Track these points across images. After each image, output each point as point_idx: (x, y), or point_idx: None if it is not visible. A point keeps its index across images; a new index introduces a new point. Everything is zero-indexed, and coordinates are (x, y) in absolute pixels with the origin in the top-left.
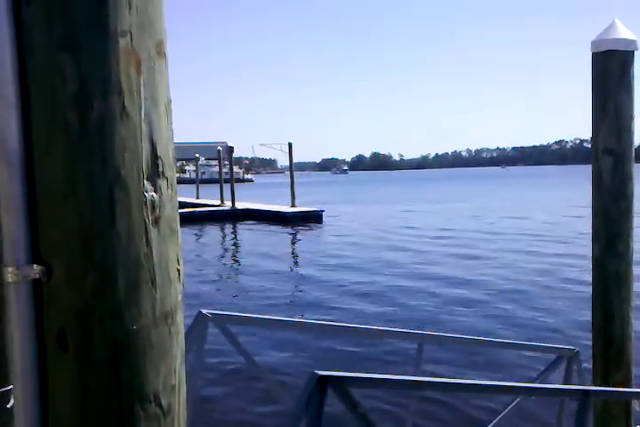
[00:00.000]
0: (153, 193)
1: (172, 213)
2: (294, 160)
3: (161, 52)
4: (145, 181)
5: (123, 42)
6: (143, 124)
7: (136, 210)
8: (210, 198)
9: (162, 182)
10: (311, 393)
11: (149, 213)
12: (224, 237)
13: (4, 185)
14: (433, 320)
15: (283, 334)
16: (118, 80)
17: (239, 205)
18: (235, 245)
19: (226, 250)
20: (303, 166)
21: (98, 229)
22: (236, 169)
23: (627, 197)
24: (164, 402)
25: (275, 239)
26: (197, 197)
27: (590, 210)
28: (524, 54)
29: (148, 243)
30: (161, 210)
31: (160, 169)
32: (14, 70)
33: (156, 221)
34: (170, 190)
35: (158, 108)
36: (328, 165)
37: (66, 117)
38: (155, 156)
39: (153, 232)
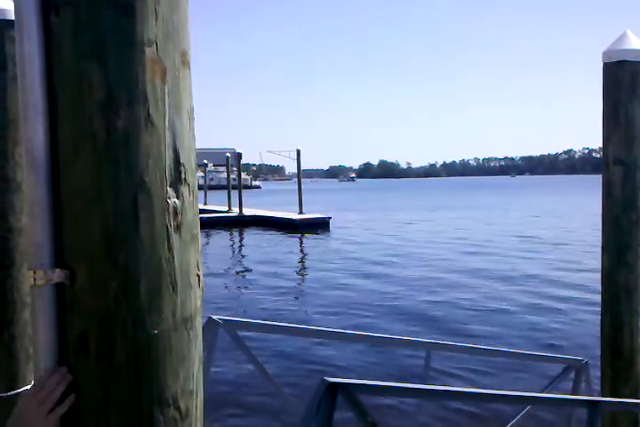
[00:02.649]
0: (175, 199)
1: (193, 219)
2: (302, 167)
3: (185, 62)
4: (168, 188)
5: (149, 51)
6: (167, 132)
7: (159, 216)
8: (217, 204)
9: (184, 189)
10: (321, 400)
11: (171, 219)
12: (231, 243)
13: (31, 190)
14: (442, 327)
15: (292, 340)
16: (144, 89)
17: (246, 211)
18: (242, 251)
19: (233, 256)
20: (311, 173)
21: (121, 234)
22: (243, 175)
23: (637, 208)
24: (182, 406)
25: (282, 246)
26: (205, 203)
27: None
28: (533, 63)
29: (169, 248)
30: (183, 216)
31: (182, 176)
32: (42, 78)
33: (178, 227)
34: (191, 197)
35: (181, 116)
36: (335, 173)
37: (92, 125)
38: (177, 162)
39: (175, 238)
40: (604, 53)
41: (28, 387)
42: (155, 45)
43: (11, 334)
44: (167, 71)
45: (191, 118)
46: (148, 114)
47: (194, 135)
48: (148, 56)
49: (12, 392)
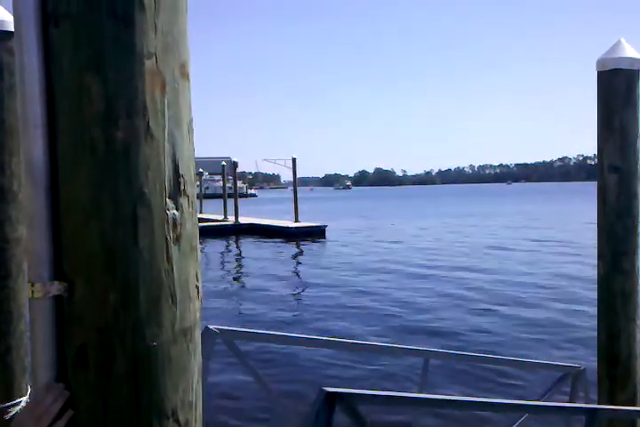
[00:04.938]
0: (175, 211)
1: (192, 231)
2: (298, 175)
3: (184, 74)
4: (167, 199)
5: (148, 63)
6: (166, 144)
7: (158, 227)
8: (213, 213)
9: (183, 200)
10: (319, 410)
11: (171, 231)
12: (227, 251)
13: (30, 202)
14: (437, 335)
15: (289, 349)
16: (143, 100)
17: (242, 219)
18: (238, 259)
19: (229, 265)
20: (306, 182)
21: (120, 246)
22: (239, 184)
23: (632, 215)
24: (181, 419)
25: (278, 254)
26: (201, 212)
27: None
28: (528, 71)
29: (169, 260)
30: (182, 227)
31: (182, 187)
32: (41, 90)
33: (177, 239)
34: (190, 208)
35: (181, 127)
36: (331, 181)
37: (92, 137)
38: (177, 174)
39: (174, 249)
40: (599, 62)
41: (24, 398)
42: (154, 57)
43: (6, 346)
44: (166, 83)
45: (190, 130)
46: (148, 126)
47: (193, 147)
48: (148, 68)
49: (8, 404)
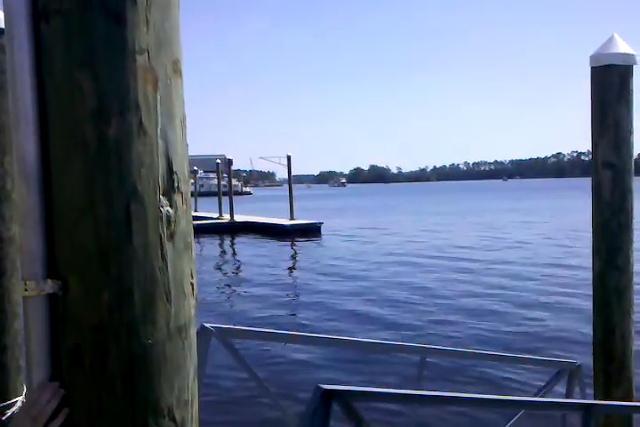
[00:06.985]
0: (168, 208)
1: (186, 228)
2: (293, 173)
3: (177, 70)
4: (161, 196)
5: (140, 59)
6: (159, 140)
7: (152, 225)
8: (208, 211)
9: (177, 197)
10: (316, 407)
11: (165, 228)
12: (223, 250)
13: (23, 200)
14: (433, 332)
15: (285, 347)
16: (136, 97)
17: (238, 217)
18: (234, 257)
19: (224, 263)
20: (302, 179)
21: (114, 243)
22: (234, 182)
23: (626, 211)
24: (177, 417)
25: (274, 252)
26: (195, 210)
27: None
28: (521, 67)
29: (163, 257)
30: (176, 225)
31: (175, 184)
32: (33, 87)
33: (172, 236)
34: (184, 205)
35: (174, 124)
36: (326, 178)
37: (84, 133)
38: (170, 171)
39: (168, 247)
40: (592, 57)
41: (19, 398)
42: (146, 53)
43: (1, 345)
44: (159, 79)
45: (183, 127)
46: (140, 122)
47: (186, 143)
48: (140, 64)
49: (3, 404)
